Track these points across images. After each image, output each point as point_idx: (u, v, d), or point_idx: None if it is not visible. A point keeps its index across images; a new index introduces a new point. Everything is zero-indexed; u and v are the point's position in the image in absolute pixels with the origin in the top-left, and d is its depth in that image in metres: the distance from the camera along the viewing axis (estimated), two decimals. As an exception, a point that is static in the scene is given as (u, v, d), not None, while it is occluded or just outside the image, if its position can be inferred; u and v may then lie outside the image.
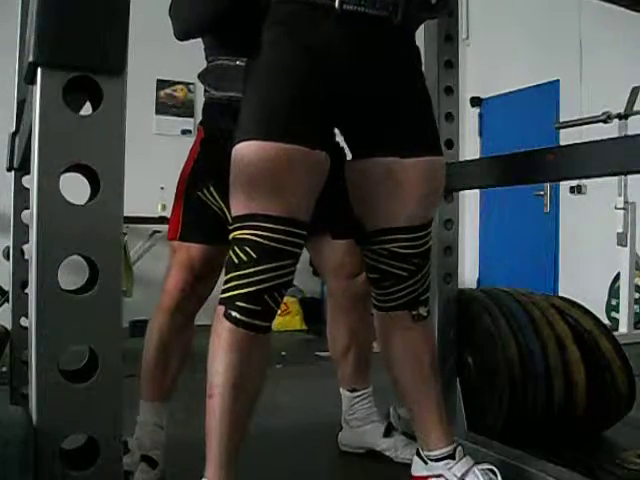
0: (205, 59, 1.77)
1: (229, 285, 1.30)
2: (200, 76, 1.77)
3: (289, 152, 1.27)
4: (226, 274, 1.32)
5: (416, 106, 1.45)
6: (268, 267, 1.28)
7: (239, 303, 1.28)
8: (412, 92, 1.44)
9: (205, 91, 1.78)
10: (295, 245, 1.31)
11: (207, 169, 1.67)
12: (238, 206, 1.31)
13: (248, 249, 1.28)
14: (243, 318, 1.28)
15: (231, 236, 1.32)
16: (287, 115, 1.30)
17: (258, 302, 1.28)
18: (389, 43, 1.36)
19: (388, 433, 1.85)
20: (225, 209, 1.57)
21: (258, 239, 1.27)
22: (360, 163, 1.44)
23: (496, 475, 1.43)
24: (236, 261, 1.29)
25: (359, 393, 1.88)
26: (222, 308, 1.30)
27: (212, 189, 1.66)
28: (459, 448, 1.47)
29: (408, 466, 1.61)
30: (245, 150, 1.29)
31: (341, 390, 1.91)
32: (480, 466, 1.46)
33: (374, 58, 1.35)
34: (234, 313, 1.28)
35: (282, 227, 1.28)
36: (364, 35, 1.33)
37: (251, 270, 1.27)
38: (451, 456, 1.46)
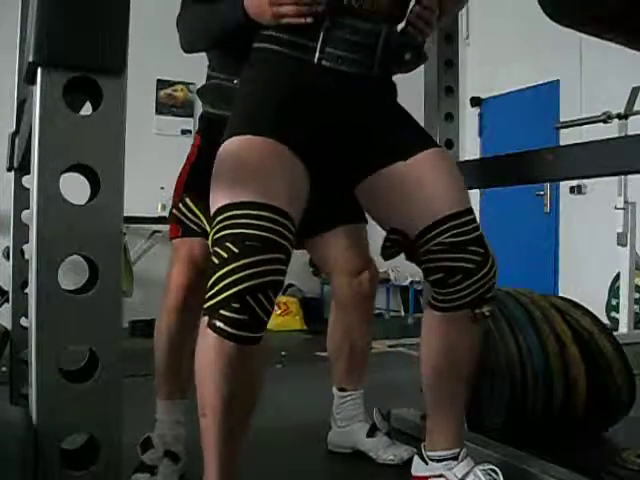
0: (207, 67, 1.78)
1: (211, 292, 1.19)
2: (198, 92, 1.79)
3: (274, 145, 1.28)
4: (208, 281, 1.21)
5: (405, 121, 1.48)
6: (251, 261, 1.16)
7: (223, 312, 1.16)
8: (397, 115, 1.47)
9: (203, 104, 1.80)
10: (281, 235, 1.20)
11: (201, 176, 1.67)
12: (220, 198, 1.24)
13: (229, 244, 1.18)
14: (228, 329, 1.16)
15: (211, 238, 1.23)
16: (274, 120, 1.32)
17: (243, 307, 1.15)
18: (367, 86, 1.41)
19: (372, 433, 1.85)
20: (202, 217, 1.56)
21: (239, 230, 1.18)
22: (368, 182, 1.43)
23: (497, 475, 1.43)
24: (216, 262, 1.19)
25: (347, 394, 1.88)
26: (206, 319, 1.19)
27: (187, 200, 1.64)
28: (464, 450, 1.47)
29: (397, 466, 1.62)
30: (230, 145, 1.30)
31: (333, 388, 1.92)
32: (481, 466, 1.45)
33: (353, 99, 1.39)
34: (219, 323, 1.17)
35: (265, 213, 1.19)
36: (342, 83, 1.37)
37: (232, 266, 1.16)
38: (454, 458, 1.46)
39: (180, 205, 1.65)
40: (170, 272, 1.72)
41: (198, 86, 1.85)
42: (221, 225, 1.21)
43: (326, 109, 1.37)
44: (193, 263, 1.68)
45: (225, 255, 1.18)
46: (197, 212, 1.61)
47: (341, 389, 1.89)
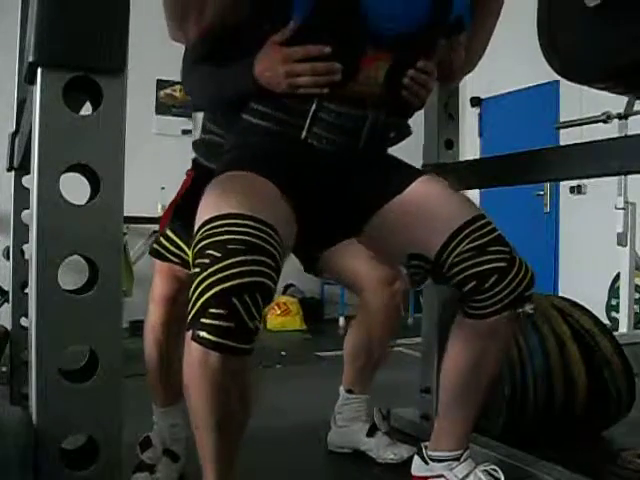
0: (203, 116, 1.80)
1: (192, 299, 1.09)
2: (194, 144, 1.79)
3: (261, 178, 1.28)
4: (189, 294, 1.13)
5: (393, 165, 1.48)
6: (235, 261, 1.08)
7: (206, 320, 1.06)
8: (385, 162, 1.48)
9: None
10: (265, 241, 1.13)
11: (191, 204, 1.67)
12: (204, 214, 1.19)
13: (210, 251, 1.11)
14: (212, 338, 1.06)
15: (192, 252, 1.16)
16: (261, 166, 1.32)
17: (228, 311, 1.06)
18: (352, 158, 1.41)
19: (371, 433, 1.85)
20: (186, 247, 1.53)
21: (222, 237, 1.12)
22: (370, 224, 1.42)
23: (499, 474, 1.44)
24: (198, 270, 1.10)
25: (354, 396, 1.88)
26: (190, 333, 1.10)
27: (169, 232, 1.61)
28: (467, 452, 1.47)
29: (395, 466, 1.64)
30: (218, 177, 1.30)
31: (340, 387, 1.92)
32: (483, 466, 1.45)
33: (338, 167, 1.39)
34: (202, 333, 1.07)
35: (249, 222, 1.13)
36: (327, 157, 1.38)
37: (214, 268, 1.08)
38: (456, 459, 1.46)
39: (161, 239, 1.62)
40: (153, 284, 1.69)
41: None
42: (203, 235, 1.14)
43: (311, 172, 1.37)
44: (173, 276, 1.65)
45: (207, 261, 1.09)
46: (180, 243, 1.57)
47: (349, 391, 1.89)
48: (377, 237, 1.45)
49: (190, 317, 1.09)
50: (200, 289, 1.08)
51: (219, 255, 1.09)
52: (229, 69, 1.39)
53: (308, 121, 1.35)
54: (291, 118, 1.36)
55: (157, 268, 1.70)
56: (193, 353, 1.10)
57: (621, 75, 1.40)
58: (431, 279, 1.43)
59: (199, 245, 1.14)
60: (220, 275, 1.07)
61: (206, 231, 1.15)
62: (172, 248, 1.61)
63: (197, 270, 1.10)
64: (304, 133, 1.35)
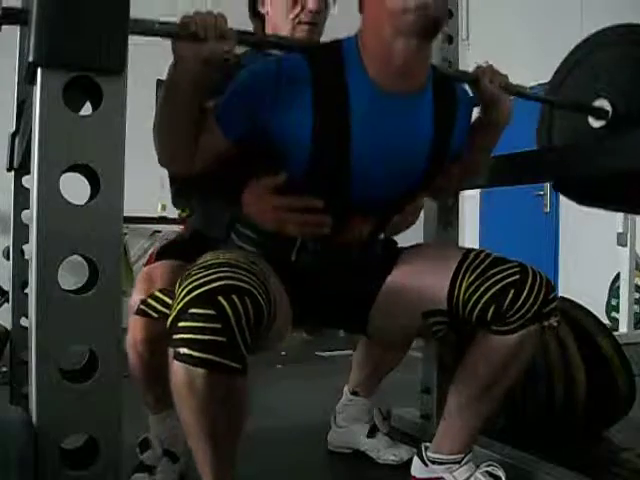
0: None
1: (172, 311, 1.03)
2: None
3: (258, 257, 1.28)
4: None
5: (382, 255, 1.48)
6: (220, 269, 1.04)
7: (185, 335, 0.98)
8: (375, 255, 1.47)
9: None
10: (254, 270, 1.10)
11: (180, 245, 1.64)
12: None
13: (195, 272, 1.06)
14: (193, 353, 0.98)
15: (177, 286, 1.09)
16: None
17: (213, 316, 0.98)
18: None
19: (372, 434, 1.84)
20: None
21: (209, 262, 1.08)
22: (376, 305, 1.42)
23: (498, 471, 1.43)
24: (179, 289, 1.04)
25: (358, 398, 1.88)
26: (172, 352, 1.03)
27: (157, 293, 1.54)
28: (469, 456, 1.46)
29: (395, 467, 1.66)
30: None
31: (345, 388, 1.92)
32: (484, 467, 1.44)
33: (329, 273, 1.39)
34: (183, 350, 0.98)
35: (239, 260, 1.11)
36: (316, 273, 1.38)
37: (198, 275, 1.03)
38: (457, 462, 1.45)
39: (150, 300, 1.55)
40: (131, 298, 1.61)
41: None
42: (190, 269, 1.09)
43: (300, 284, 1.34)
44: (152, 284, 1.59)
45: (189, 280, 1.04)
46: (167, 300, 1.52)
47: (354, 392, 1.89)
48: (386, 314, 1.43)
49: (170, 329, 1.02)
50: (183, 293, 1.02)
51: (202, 271, 1.04)
52: (216, 197, 1.41)
53: (295, 250, 1.34)
54: (278, 247, 1.35)
55: (138, 277, 1.66)
56: (177, 374, 1.02)
57: (623, 198, 1.44)
58: (454, 331, 1.41)
59: (185, 274, 1.10)
60: (206, 279, 1.01)
61: (193, 266, 1.11)
62: (160, 307, 1.54)
63: (178, 291, 1.04)
64: (293, 256, 1.35)
